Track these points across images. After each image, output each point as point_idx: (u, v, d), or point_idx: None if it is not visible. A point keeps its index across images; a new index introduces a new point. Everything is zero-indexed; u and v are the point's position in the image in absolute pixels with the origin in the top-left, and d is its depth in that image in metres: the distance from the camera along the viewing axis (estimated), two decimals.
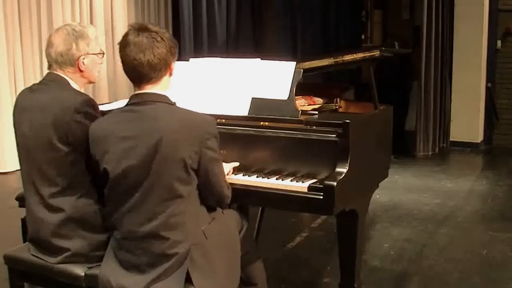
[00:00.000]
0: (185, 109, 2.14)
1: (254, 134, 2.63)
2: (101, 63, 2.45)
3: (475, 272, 3.58)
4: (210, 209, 2.24)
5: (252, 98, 2.73)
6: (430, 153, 7.09)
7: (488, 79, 7.49)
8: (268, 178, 2.50)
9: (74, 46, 2.32)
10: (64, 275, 2.28)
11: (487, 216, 4.76)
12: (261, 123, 2.68)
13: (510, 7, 7.40)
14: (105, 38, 6.92)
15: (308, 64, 3.05)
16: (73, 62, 2.33)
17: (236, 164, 2.58)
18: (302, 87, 2.93)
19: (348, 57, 3.00)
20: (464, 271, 3.59)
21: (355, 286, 2.74)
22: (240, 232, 2.43)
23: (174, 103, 2.15)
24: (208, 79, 2.84)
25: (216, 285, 2.12)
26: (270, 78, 2.74)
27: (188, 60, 2.93)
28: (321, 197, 2.33)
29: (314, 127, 2.57)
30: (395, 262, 3.73)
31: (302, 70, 2.75)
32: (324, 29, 9.90)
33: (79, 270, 2.26)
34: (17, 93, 2.50)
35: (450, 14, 7.21)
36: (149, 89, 2.11)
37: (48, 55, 2.35)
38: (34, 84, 2.45)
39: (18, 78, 6.05)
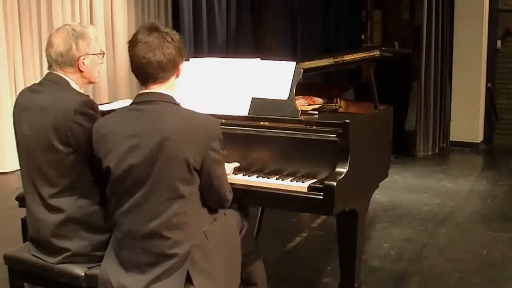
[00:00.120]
0: (190, 110, 2.14)
1: (254, 134, 2.63)
2: (101, 63, 2.45)
3: (475, 272, 3.58)
4: (212, 210, 2.24)
5: (252, 98, 2.73)
6: (430, 153, 7.09)
7: (488, 79, 7.49)
8: (268, 178, 2.50)
9: (74, 46, 2.32)
10: (64, 275, 2.28)
11: (487, 216, 4.76)
12: (261, 123, 2.68)
13: (510, 7, 7.40)
14: (105, 38, 6.92)
15: (308, 64, 3.04)
16: (73, 63, 2.33)
17: (237, 164, 2.58)
18: (302, 87, 2.93)
19: (348, 57, 3.01)
20: (464, 271, 3.59)
21: (355, 286, 2.74)
22: (240, 232, 2.44)
23: (179, 103, 2.16)
24: (208, 79, 2.84)
25: (217, 286, 2.12)
26: (270, 78, 2.74)
27: (188, 60, 2.93)
28: (321, 197, 2.33)
29: (314, 127, 2.57)
30: (395, 262, 3.73)
31: (302, 70, 2.75)
32: (324, 29, 9.89)
33: (79, 270, 2.26)
34: (17, 93, 2.49)
35: (450, 14, 7.21)
36: (156, 88, 2.12)
37: (48, 55, 2.35)
38: (34, 84, 2.45)
39: (18, 78, 6.05)
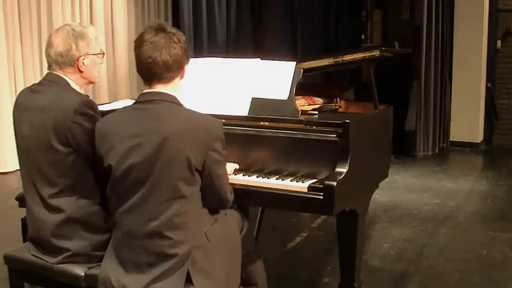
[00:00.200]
0: (192, 110, 2.14)
1: (254, 134, 2.63)
2: (101, 63, 2.45)
3: (475, 272, 3.58)
4: (213, 211, 2.24)
5: (252, 98, 2.73)
6: (430, 153, 7.09)
7: (488, 79, 7.49)
8: (268, 178, 2.50)
9: (74, 46, 2.31)
10: (64, 275, 2.28)
11: (487, 216, 4.76)
12: (261, 123, 2.68)
13: (510, 7, 7.40)
14: (105, 38, 6.92)
15: (308, 64, 3.05)
16: (72, 63, 2.33)
17: (236, 166, 2.58)
18: (302, 87, 2.93)
19: (348, 57, 3.01)
20: (464, 271, 3.59)
21: (355, 286, 2.74)
22: (240, 232, 2.43)
23: (182, 104, 2.16)
24: (208, 79, 2.84)
25: (217, 286, 2.12)
26: (270, 78, 2.74)
27: None
28: (321, 197, 2.33)
29: (314, 127, 2.57)
30: (395, 262, 3.73)
31: (302, 70, 2.75)
32: (324, 29, 9.89)
33: (79, 270, 2.26)
34: (17, 93, 2.49)
35: (450, 14, 7.21)
36: (160, 88, 2.12)
37: (48, 55, 2.35)
38: (34, 84, 2.45)
39: (18, 78, 6.05)
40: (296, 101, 2.74)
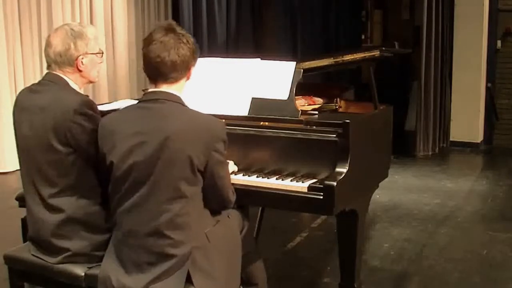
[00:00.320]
0: (196, 111, 2.14)
1: (254, 134, 2.63)
2: (101, 62, 2.45)
3: (475, 272, 3.58)
4: (215, 212, 2.24)
5: (252, 98, 2.73)
6: (430, 153, 7.09)
7: (488, 79, 7.48)
8: (268, 178, 2.50)
9: (72, 46, 2.31)
10: (64, 275, 2.28)
11: (487, 216, 4.76)
12: (261, 123, 2.68)
13: (510, 7, 7.40)
14: (105, 38, 6.92)
15: (308, 64, 3.05)
16: (72, 62, 2.33)
17: (235, 168, 2.58)
18: (302, 87, 2.93)
19: (348, 57, 3.01)
20: (464, 271, 3.59)
21: (355, 286, 2.74)
22: (240, 233, 2.43)
23: (186, 105, 2.16)
24: (208, 79, 2.84)
25: (217, 286, 2.12)
26: (270, 78, 2.74)
27: None
28: (321, 197, 2.33)
29: (314, 127, 2.57)
30: (395, 262, 3.73)
31: (302, 70, 2.75)
32: (324, 29, 9.89)
33: (79, 270, 2.26)
34: (17, 93, 2.49)
35: (450, 14, 7.21)
36: (165, 88, 2.13)
37: (47, 55, 2.35)
38: (33, 84, 2.44)
39: (18, 78, 6.05)
40: (296, 101, 2.74)
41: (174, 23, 2.19)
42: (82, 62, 2.34)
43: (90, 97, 2.35)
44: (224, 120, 2.65)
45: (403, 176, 5.96)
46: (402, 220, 4.59)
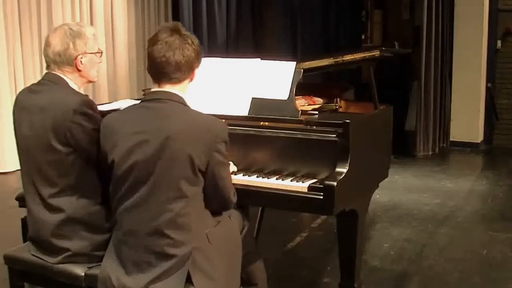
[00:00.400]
0: (198, 112, 2.14)
1: (254, 134, 2.63)
2: (100, 62, 2.45)
3: (475, 272, 3.58)
4: (216, 212, 2.23)
5: (252, 98, 2.73)
6: (430, 153, 7.09)
7: (488, 79, 7.48)
8: (268, 178, 2.50)
9: (71, 45, 2.31)
10: (64, 275, 2.28)
11: (487, 216, 4.76)
12: (261, 123, 2.68)
13: (510, 7, 7.40)
14: (105, 38, 6.92)
15: (308, 64, 3.05)
16: (71, 62, 2.33)
17: (235, 168, 2.58)
18: (302, 87, 2.93)
19: (348, 57, 3.01)
20: (464, 271, 3.59)
21: (355, 286, 2.74)
22: (241, 233, 2.43)
23: (189, 105, 2.16)
24: (208, 79, 2.84)
25: (217, 287, 2.12)
26: (270, 78, 2.74)
27: None
28: (321, 197, 2.33)
29: (314, 127, 2.57)
30: (395, 262, 3.73)
31: (302, 70, 2.75)
32: (324, 29, 9.89)
33: (79, 270, 2.26)
34: (17, 93, 2.49)
35: (450, 14, 7.21)
36: (168, 88, 2.13)
37: (46, 55, 2.35)
38: (33, 84, 2.44)
39: (18, 78, 6.05)
40: (296, 101, 2.74)
41: (179, 24, 2.19)
42: (81, 61, 2.34)
43: (90, 97, 2.35)
44: (224, 120, 2.67)
45: (403, 176, 5.96)
46: (402, 220, 4.59)
